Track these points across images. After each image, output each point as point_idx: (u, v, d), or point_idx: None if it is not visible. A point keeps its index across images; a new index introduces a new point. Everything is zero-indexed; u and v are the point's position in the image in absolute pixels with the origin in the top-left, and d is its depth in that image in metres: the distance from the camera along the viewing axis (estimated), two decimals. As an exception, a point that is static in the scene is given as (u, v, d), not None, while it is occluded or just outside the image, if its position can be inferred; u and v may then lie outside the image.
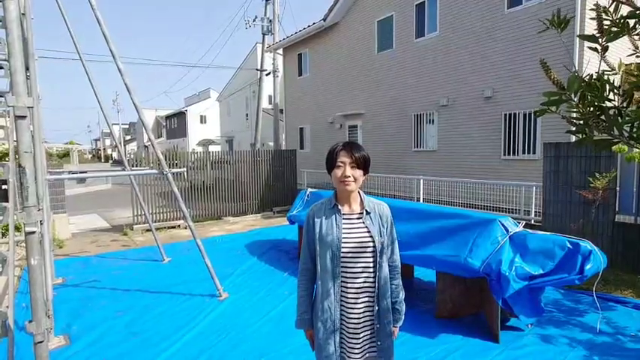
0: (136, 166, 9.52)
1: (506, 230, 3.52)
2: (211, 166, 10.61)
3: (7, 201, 8.55)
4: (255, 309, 4.30)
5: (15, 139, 3.72)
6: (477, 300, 3.98)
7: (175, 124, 41.28)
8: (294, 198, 9.90)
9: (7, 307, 2.07)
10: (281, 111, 17.53)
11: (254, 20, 17.70)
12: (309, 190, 6.59)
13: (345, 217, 1.76)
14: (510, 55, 8.23)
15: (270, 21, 16.94)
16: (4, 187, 8.48)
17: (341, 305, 1.75)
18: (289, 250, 6.78)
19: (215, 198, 10.23)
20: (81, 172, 9.58)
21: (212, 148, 29.02)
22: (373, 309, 1.76)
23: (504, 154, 8.51)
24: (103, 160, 60.64)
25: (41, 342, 1.93)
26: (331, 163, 1.75)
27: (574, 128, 2.10)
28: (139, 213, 8.62)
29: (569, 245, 3.27)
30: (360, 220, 1.76)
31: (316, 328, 1.80)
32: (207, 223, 9.71)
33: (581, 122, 2.01)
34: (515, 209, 7.19)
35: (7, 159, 6.23)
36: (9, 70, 3.71)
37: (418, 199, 8.59)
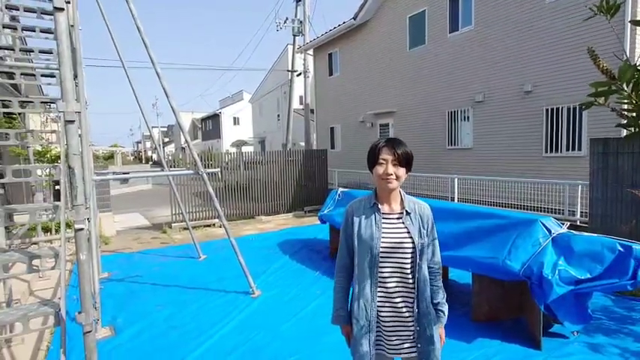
0: (174, 167, 9.93)
1: (549, 231, 3.33)
2: (244, 167, 10.86)
3: (58, 200, 9.16)
4: (288, 307, 4.36)
5: (65, 143, 3.99)
6: (517, 304, 3.80)
7: (210, 126, 42.64)
8: (326, 197, 9.93)
9: (60, 298, 2.23)
10: (312, 111, 17.63)
11: (285, 22, 17.92)
12: (340, 189, 6.57)
13: (384, 216, 1.73)
14: (552, 46, 7.79)
15: (301, 22, 17.08)
16: (57, 187, 9.10)
17: (378, 305, 1.72)
18: (320, 249, 6.81)
19: (248, 197, 10.45)
20: (124, 173, 10.12)
21: (245, 149, 29.71)
22: (412, 311, 1.72)
23: (546, 151, 8.07)
24: (143, 162, 63.71)
25: (89, 332, 2.07)
26: (373, 160, 1.72)
27: (625, 121, 1.95)
28: (177, 212, 8.98)
29: (620, 248, 3.04)
30: (400, 221, 1.72)
31: (352, 327, 1.79)
32: (241, 222, 9.94)
33: (634, 114, 1.87)
34: (559, 209, 6.80)
35: (59, 161, 6.69)
36: (60, 78, 3.99)
37: (453, 199, 8.34)
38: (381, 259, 1.69)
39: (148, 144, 71.08)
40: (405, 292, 1.71)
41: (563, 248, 3.23)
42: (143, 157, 68.18)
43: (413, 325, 1.72)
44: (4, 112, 4.44)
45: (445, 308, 1.82)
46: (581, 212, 6.38)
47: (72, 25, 3.54)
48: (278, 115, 25.95)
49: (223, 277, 5.40)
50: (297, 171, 11.08)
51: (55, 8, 1.90)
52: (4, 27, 3.62)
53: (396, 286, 1.70)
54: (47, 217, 2.60)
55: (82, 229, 2.00)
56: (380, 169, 1.68)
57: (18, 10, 3.80)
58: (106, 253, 6.78)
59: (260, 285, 4.98)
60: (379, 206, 1.74)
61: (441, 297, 1.81)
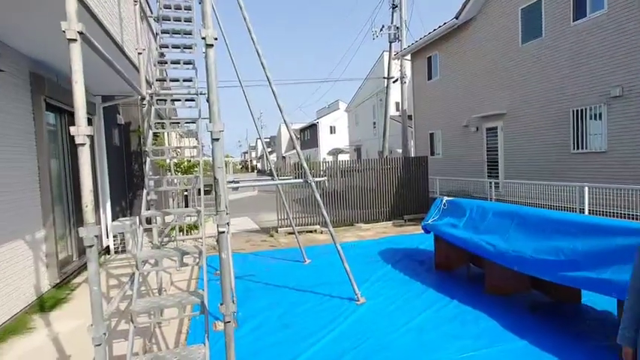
0: (277, 176, 10.70)
1: None
2: (341, 174, 11.11)
3: (186, 205, 10.54)
4: (393, 318, 4.30)
5: (204, 156, 4.64)
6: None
7: (308, 135, 44.85)
8: (426, 206, 9.55)
9: (204, 290, 2.60)
10: (409, 117, 17.22)
11: (381, 30, 18.00)
12: (446, 198, 6.26)
13: None
14: None
15: (397, 28, 16.91)
16: (185, 193, 10.45)
17: None
18: (424, 260, 6.57)
19: (346, 205, 10.66)
20: (236, 181, 11.29)
21: (341, 157, 30.44)
22: None
23: None
24: (249, 170, 70.15)
25: (229, 322, 2.37)
26: None
27: None
28: (282, 217, 9.64)
29: None
30: None
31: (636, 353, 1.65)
32: (340, 229, 10.16)
33: None
34: None
35: (192, 170, 7.79)
36: (204, 101, 4.70)
37: (581, 211, 7.23)
38: None
39: (253, 154, 78.08)
40: None
41: None
42: (249, 166, 75.05)
43: None
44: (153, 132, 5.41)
45: None
46: None
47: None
48: (374, 123, 25.99)
49: (328, 282, 5.60)
50: (396, 178, 10.91)
51: (207, 45, 2.27)
52: (159, 62, 4.44)
53: None
54: (191, 219, 3.08)
55: (223, 231, 2.32)
56: None
57: (167, 47, 4.61)
58: (225, 253, 7.62)
59: (364, 292, 5.02)
60: None
61: None
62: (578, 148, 8.88)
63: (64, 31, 2.02)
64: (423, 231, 6.37)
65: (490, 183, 10.21)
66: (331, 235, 4.99)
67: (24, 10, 3.36)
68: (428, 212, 6.45)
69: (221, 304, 2.36)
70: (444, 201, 6.17)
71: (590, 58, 8.48)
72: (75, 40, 2.03)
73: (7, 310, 4.11)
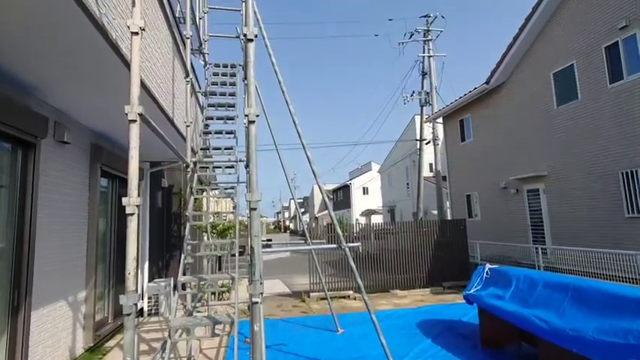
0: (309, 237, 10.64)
1: None
2: (375, 237, 10.85)
3: (220, 268, 10.56)
4: (437, 403, 3.86)
5: (240, 216, 4.75)
6: None
7: (341, 196, 45.11)
8: (467, 272, 8.98)
9: (234, 364, 2.49)
10: (443, 178, 17.02)
11: (412, 95, 18.69)
12: (489, 265, 5.88)
13: None
14: None
15: (428, 93, 17.53)
16: (218, 255, 10.50)
17: None
18: (468, 334, 6.01)
19: (380, 269, 10.24)
20: (269, 244, 11.33)
21: (374, 218, 30.04)
22: None
23: None
24: (282, 230, 70.48)
25: (258, 403, 2.22)
26: None
27: None
28: (314, 281, 9.36)
29: None
30: None
31: None
32: (374, 295, 9.66)
33: None
34: None
35: (228, 232, 7.92)
36: (242, 167, 4.95)
37: (646, 282, 6.48)
38: None
39: (287, 214, 78.97)
40: None
41: None
42: (282, 226, 75.61)
43: None
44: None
45: None
46: None
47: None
48: (407, 184, 25.84)
49: (364, 356, 5.20)
50: (433, 242, 10.48)
51: (250, 122, 2.45)
52: (204, 133, 4.81)
53: None
54: (224, 285, 3.07)
55: (257, 302, 2.28)
56: None
57: (212, 119, 5.02)
58: (255, 318, 7.39)
59: (403, 371, 4.60)
60: None
61: None
62: (632, 212, 8.23)
63: (126, 114, 2.27)
64: (464, 300, 5.93)
65: (536, 249, 9.53)
66: (366, 303, 4.75)
67: (98, 94, 3.84)
68: (469, 280, 6.04)
69: (251, 382, 2.24)
70: (487, 269, 5.79)
71: (633, 120, 8.21)
72: (135, 120, 2.26)
73: (42, 374, 4.11)
